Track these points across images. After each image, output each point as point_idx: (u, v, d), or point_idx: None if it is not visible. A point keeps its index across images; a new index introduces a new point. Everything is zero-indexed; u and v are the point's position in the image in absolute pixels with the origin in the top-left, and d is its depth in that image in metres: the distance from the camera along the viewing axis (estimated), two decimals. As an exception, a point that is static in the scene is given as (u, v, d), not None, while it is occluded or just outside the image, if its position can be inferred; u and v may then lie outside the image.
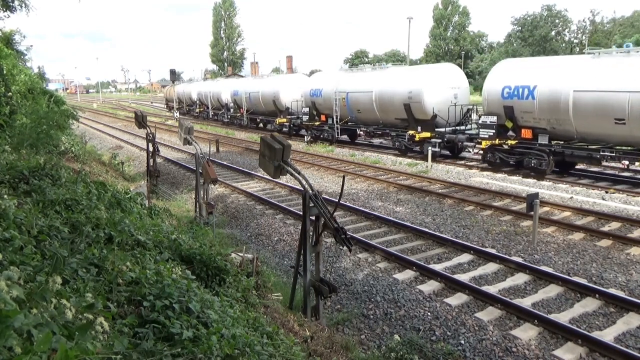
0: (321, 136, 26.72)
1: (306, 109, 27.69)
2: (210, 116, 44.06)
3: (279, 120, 30.91)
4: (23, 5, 11.21)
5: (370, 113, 22.76)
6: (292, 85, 30.69)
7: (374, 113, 22.56)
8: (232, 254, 7.35)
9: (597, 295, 7.47)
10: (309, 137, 27.52)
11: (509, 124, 16.58)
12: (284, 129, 30.75)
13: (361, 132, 24.99)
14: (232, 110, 38.60)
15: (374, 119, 22.87)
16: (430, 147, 19.29)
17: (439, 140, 19.62)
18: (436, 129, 19.74)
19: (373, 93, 22.12)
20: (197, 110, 47.92)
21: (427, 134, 19.97)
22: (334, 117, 24.79)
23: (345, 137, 26.72)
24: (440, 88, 19.85)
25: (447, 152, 20.87)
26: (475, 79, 71.76)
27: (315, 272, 6.51)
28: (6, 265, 2.37)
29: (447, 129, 19.36)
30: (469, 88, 22.15)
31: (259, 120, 35.36)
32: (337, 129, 25.05)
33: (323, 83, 26.14)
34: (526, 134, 16.40)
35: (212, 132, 33.61)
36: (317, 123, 26.83)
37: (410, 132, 20.66)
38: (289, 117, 30.15)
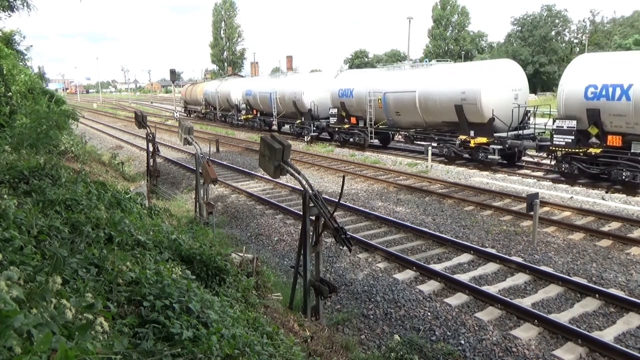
0: (350, 140, 24.57)
1: (333, 111, 25.45)
2: (218, 117, 42.07)
3: (299, 122, 28.62)
4: (25, 4, 11.21)
5: (412, 115, 20.49)
6: (316, 85, 27.88)
7: (416, 115, 20.25)
8: (232, 254, 7.35)
9: (597, 295, 7.47)
10: (309, 137, 27.43)
11: (594, 130, 14.35)
12: (306, 133, 27.84)
13: (400, 136, 22.78)
14: (243, 111, 36.03)
15: (416, 122, 20.68)
16: (488, 153, 17.43)
17: (499, 147, 17.15)
18: (495, 134, 17.30)
19: (416, 93, 19.73)
20: (203, 110, 45.53)
21: (484, 139, 17.42)
22: (367, 119, 22.63)
23: (376, 141, 24.17)
24: (500, 87, 17.38)
25: (498, 159, 17.68)
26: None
27: (315, 272, 6.51)
28: (6, 265, 2.37)
29: (509, 133, 17.17)
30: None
31: (273, 122, 32.35)
32: (371, 133, 22.85)
33: (354, 82, 23.90)
34: (614, 141, 14.04)
35: (212, 132, 33.61)
36: (346, 126, 24.66)
37: (462, 136, 18.21)
38: (316, 120, 27.26)
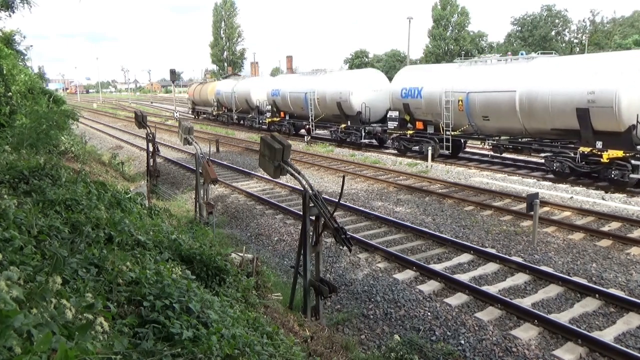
0: (413, 149, 21.27)
1: (394, 114, 21.82)
2: (234, 120, 37.89)
3: (344, 126, 24.90)
4: (25, 1, 11.20)
5: (508, 120, 16.67)
6: (366, 84, 24.26)
7: (514, 120, 16.41)
8: (232, 254, 7.35)
9: (597, 295, 7.47)
10: (309, 137, 27.33)
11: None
12: (354, 139, 24.35)
13: (484, 145, 19.54)
14: (268, 114, 31.52)
15: (512, 128, 16.86)
16: (625, 171, 13.71)
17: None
18: (638, 146, 13.58)
19: (517, 93, 15.88)
20: (215, 112, 41.45)
21: (619, 153, 13.64)
22: (443, 124, 19.04)
23: (446, 152, 19.84)
24: None
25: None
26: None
27: (315, 272, 6.51)
28: (6, 265, 2.37)
29: None
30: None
31: (307, 127, 28.30)
32: (447, 141, 19.17)
33: (423, 80, 20.32)
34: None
35: (212, 132, 33.60)
36: (410, 132, 21.13)
37: (585, 149, 14.38)
38: (367, 124, 23.94)
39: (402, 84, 21.39)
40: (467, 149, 22.67)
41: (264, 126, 32.63)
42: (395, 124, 22.00)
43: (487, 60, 18.97)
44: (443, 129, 19.28)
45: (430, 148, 19.46)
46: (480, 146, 21.45)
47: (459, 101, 18.42)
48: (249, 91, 34.23)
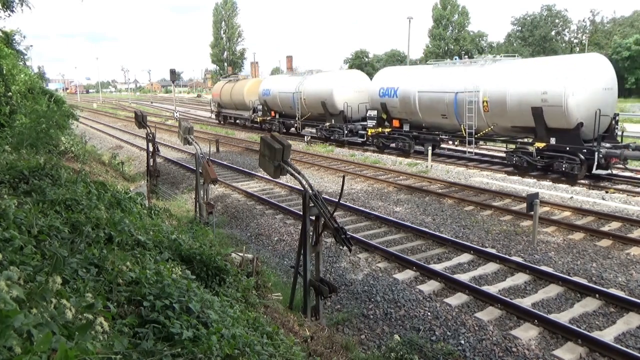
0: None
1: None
2: (297, 129, 29.85)
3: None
4: (22, 1, 11.21)
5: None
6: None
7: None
8: (232, 254, 7.35)
9: (597, 295, 7.47)
10: (309, 137, 27.37)
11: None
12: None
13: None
14: (371, 122, 23.15)
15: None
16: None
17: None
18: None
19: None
20: (259, 118, 32.94)
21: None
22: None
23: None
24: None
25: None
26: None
27: (315, 272, 6.51)
28: (6, 265, 2.37)
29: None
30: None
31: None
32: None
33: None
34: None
35: (212, 132, 33.60)
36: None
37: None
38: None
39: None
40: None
41: (356, 141, 25.19)
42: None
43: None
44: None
45: (429, 148, 19.48)
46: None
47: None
48: (331, 91, 25.02)
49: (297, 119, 28.65)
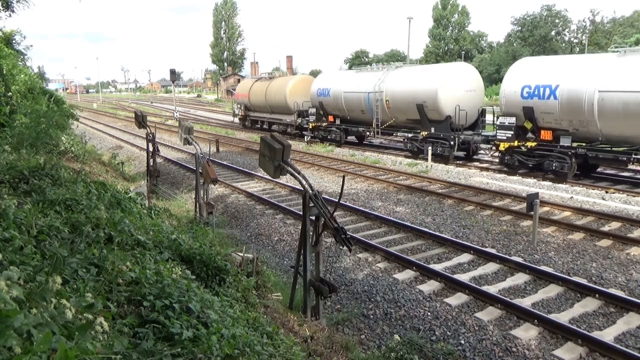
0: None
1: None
2: (367, 137, 24.85)
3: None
4: (22, 1, 11.24)
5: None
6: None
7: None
8: (232, 254, 7.35)
9: (597, 295, 7.47)
10: (309, 137, 27.42)
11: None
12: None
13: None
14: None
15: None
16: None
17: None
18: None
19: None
20: (311, 124, 27.31)
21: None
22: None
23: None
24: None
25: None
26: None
27: (315, 272, 6.51)
28: (6, 265, 2.37)
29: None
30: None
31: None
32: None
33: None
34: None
35: (212, 132, 33.60)
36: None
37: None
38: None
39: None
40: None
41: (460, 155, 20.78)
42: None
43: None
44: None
45: (429, 148, 19.51)
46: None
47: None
48: (435, 91, 19.41)
49: (373, 126, 22.74)
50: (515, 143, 16.59)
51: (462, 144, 19.63)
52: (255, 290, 6.27)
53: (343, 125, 25.69)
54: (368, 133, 23.89)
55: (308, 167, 19.86)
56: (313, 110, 27.39)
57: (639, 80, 13.34)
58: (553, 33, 75.50)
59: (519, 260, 9.02)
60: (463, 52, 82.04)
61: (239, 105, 37.11)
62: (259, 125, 35.02)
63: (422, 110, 20.00)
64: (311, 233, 6.42)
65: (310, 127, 27.47)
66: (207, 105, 73.06)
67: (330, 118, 26.42)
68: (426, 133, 20.28)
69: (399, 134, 22.48)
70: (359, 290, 8.18)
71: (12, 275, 2.11)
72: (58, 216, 4.31)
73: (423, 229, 10.96)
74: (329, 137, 26.47)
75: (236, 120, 38.08)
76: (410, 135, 21.47)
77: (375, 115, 22.58)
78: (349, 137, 26.63)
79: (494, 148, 17.98)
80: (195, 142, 11.63)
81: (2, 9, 11.33)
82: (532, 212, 9.77)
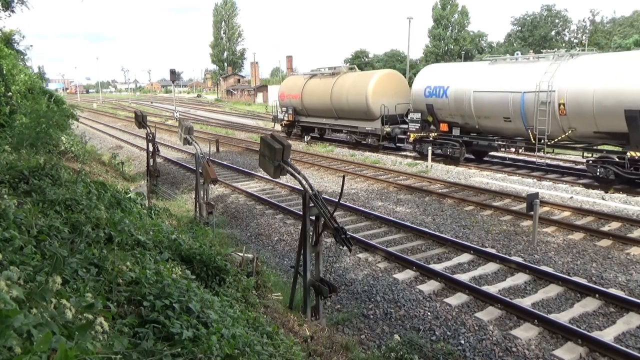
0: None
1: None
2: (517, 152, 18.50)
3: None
4: (22, 2, 11.27)
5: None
6: None
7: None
8: (232, 253, 7.35)
9: (597, 295, 7.47)
10: (309, 137, 27.33)
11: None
12: None
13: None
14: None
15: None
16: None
17: None
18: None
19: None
20: (412, 135, 20.75)
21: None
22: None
23: None
24: None
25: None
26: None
27: (315, 272, 6.51)
28: (6, 265, 2.37)
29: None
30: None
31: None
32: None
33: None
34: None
35: (212, 132, 33.59)
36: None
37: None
38: None
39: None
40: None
41: None
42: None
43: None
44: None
45: (429, 148, 19.50)
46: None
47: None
48: None
49: (531, 139, 16.02)
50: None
51: None
52: (255, 290, 6.27)
53: (464, 136, 19.13)
54: (515, 149, 17.64)
55: (308, 167, 19.86)
56: (416, 115, 20.40)
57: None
58: (553, 33, 75.57)
59: (519, 260, 9.02)
60: (463, 52, 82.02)
61: (284, 109, 29.13)
62: (315, 134, 27.86)
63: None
64: (311, 233, 6.42)
65: (412, 138, 20.79)
66: (207, 105, 73.06)
67: (443, 126, 19.61)
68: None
69: (585, 153, 15.41)
70: (359, 290, 8.18)
71: (12, 275, 2.11)
72: (58, 216, 4.31)
73: (423, 229, 10.96)
74: (441, 150, 19.74)
75: (278, 127, 30.47)
76: (596, 156, 14.77)
77: (536, 125, 15.40)
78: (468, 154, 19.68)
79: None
80: (195, 142, 11.63)
81: (2, 9, 11.33)
82: (532, 212, 9.77)
